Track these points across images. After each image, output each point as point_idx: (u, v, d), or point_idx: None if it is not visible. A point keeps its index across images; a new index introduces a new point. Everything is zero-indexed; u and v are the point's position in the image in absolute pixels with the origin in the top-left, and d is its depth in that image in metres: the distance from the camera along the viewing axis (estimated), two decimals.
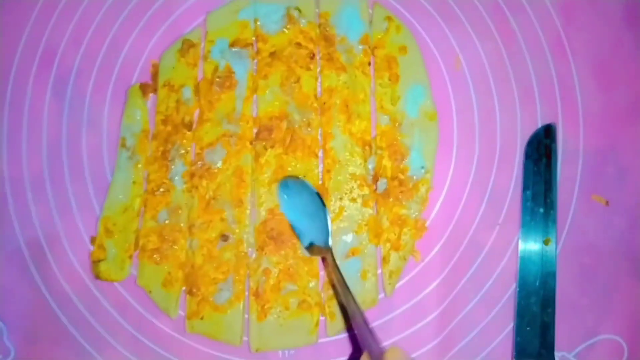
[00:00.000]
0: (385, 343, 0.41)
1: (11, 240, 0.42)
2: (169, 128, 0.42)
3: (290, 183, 0.39)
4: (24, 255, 0.42)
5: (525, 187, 0.42)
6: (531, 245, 0.41)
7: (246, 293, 0.41)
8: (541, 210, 0.41)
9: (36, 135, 0.43)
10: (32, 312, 0.42)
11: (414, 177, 0.41)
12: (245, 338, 0.41)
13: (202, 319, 0.41)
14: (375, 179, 0.41)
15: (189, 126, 0.42)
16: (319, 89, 0.42)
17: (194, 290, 0.41)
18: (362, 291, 0.41)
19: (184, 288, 0.41)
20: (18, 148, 0.43)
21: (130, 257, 0.42)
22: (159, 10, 0.43)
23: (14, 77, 0.43)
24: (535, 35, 0.43)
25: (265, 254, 0.41)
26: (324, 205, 0.39)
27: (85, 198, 0.42)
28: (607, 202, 0.42)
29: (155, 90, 0.43)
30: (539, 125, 0.42)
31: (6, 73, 0.43)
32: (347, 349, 0.41)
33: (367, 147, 0.42)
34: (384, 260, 0.41)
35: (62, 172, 0.43)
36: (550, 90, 0.43)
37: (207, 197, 0.41)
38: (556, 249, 0.41)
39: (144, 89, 0.43)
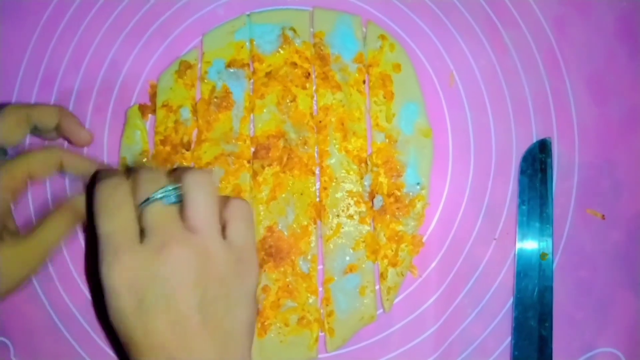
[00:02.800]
0: (383, 358, 0.42)
1: None
2: (168, 148, 0.43)
3: None
4: None
5: (520, 202, 0.42)
6: (528, 260, 0.41)
7: None
8: (537, 224, 0.42)
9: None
10: (37, 329, 0.42)
11: (410, 194, 0.42)
12: None
13: None
14: (372, 196, 0.42)
15: (187, 146, 0.43)
16: (314, 108, 0.43)
17: None
18: (360, 307, 0.41)
19: None
20: None
21: None
22: (156, 32, 0.44)
23: (15, 100, 0.44)
24: (528, 50, 0.43)
25: (265, 271, 0.41)
26: None
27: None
28: (603, 216, 0.42)
29: (154, 111, 0.44)
30: (534, 140, 0.43)
31: (8, 97, 0.44)
32: None
33: (363, 165, 0.42)
34: (382, 276, 0.41)
35: (64, 190, 0.43)
36: (544, 104, 0.43)
37: None
38: (553, 263, 0.41)
39: (143, 110, 0.43)
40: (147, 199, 0.32)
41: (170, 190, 0.32)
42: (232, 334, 0.32)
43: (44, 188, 0.43)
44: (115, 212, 0.32)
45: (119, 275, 0.30)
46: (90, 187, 0.36)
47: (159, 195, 0.32)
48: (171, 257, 0.31)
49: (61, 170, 0.39)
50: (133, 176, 0.34)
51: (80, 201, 0.38)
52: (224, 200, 0.34)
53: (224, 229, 0.33)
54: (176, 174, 0.34)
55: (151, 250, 0.31)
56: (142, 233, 0.32)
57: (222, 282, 0.32)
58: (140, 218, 0.32)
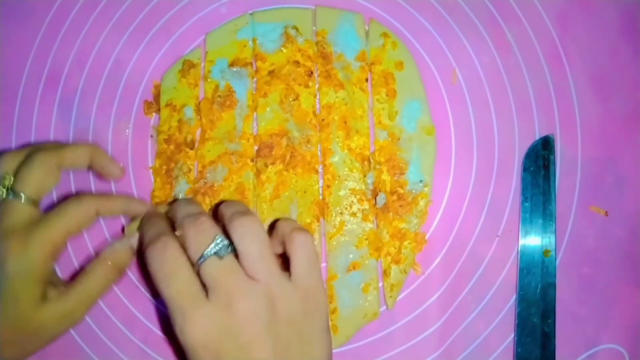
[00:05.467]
0: (387, 355, 0.42)
1: None
2: (172, 147, 0.43)
3: None
4: None
5: (523, 199, 0.42)
6: (531, 257, 0.41)
7: None
8: (540, 221, 0.42)
9: None
10: None
11: (413, 191, 0.42)
12: None
13: None
14: (375, 194, 0.42)
15: (191, 145, 0.43)
16: (317, 106, 0.43)
17: None
18: (363, 304, 0.41)
19: None
20: None
21: None
22: (160, 32, 0.44)
23: (20, 99, 0.45)
24: (531, 47, 0.43)
25: None
26: None
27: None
28: (606, 213, 0.42)
29: (158, 110, 0.44)
30: (537, 136, 0.43)
31: (13, 96, 0.44)
32: None
33: (366, 162, 0.42)
34: (385, 273, 0.42)
35: (69, 192, 0.44)
36: (547, 101, 0.43)
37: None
38: (556, 259, 0.42)
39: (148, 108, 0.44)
40: (202, 256, 0.32)
41: (220, 240, 0.33)
42: None
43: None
44: (173, 275, 0.32)
45: (192, 334, 0.31)
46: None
47: (213, 251, 0.32)
48: (239, 310, 0.31)
49: (97, 216, 0.39)
50: (181, 232, 0.34)
51: (120, 249, 0.38)
52: (286, 230, 0.34)
53: (287, 262, 0.33)
54: (221, 216, 0.35)
55: (219, 306, 0.31)
56: (205, 287, 0.32)
57: (292, 324, 0.32)
58: (199, 273, 0.32)
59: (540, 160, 0.42)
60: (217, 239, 0.33)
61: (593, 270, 0.42)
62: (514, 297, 0.41)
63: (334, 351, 0.41)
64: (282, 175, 0.42)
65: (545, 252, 0.41)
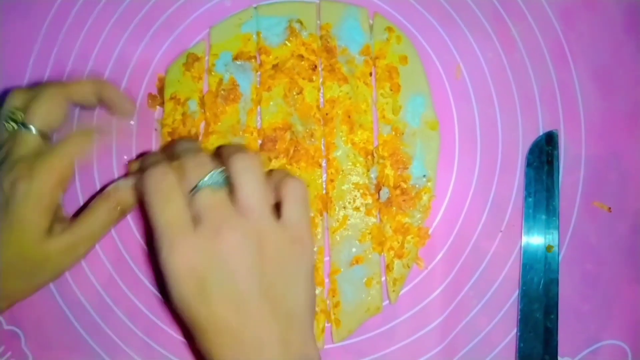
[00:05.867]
0: (389, 349, 0.42)
1: None
2: None
3: None
4: None
5: (527, 195, 0.42)
6: (534, 252, 0.42)
7: None
8: (543, 217, 0.42)
9: None
10: (47, 319, 0.43)
11: (416, 186, 0.42)
12: None
13: None
14: (378, 188, 0.42)
15: (195, 138, 0.43)
16: (321, 100, 0.43)
17: None
18: (366, 298, 0.41)
19: None
20: None
21: None
22: (164, 25, 0.44)
23: None
24: (536, 42, 0.43)
25: None
26: None
27: None
28: (609, 209, 0.42)
29: (161, 104, 0.44)
30: (541, 132, 0.43)
31: None
32: (352, 355, 0.42)
33: (369, 157, 0.42)
34: (388, 268, 0.42)
35: (74, 188, 0.44)
36: (551, 97, 0.43)
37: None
38: (558, 255, 0.42)
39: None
40: (196, 186, 0.32)
41: (217, 174, 0.33)
42: (294, 315, 0.32)
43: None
44: (166, 202, 0.32)
45: (177, 262, 0.31)
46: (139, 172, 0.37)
47: (208, 182, 0.33)
48: (227, 240, 0.31)
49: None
50: (178, 162, 0.34)
51: (126, 186, 0.39)
52: (280, 177, 0.35)
53: (278, 206, 0.34)
54: (221, 155, 0.35)
55: (206, 236, 0.31)
56: (194, 219, 0.32)
57: (278, 263, 0.32)
58: (190, 205, 0.32)
59: (543, 155, 0.42)
60: (214, 172, 0.33)
61: (596, 266, 0.42)
62: (517, 292, 0.42)
63: (336, 345, 0.42)
64: (286, 169, 0.42)
65: (548, 248, 0.41)
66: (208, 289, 0.31)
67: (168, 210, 0.32)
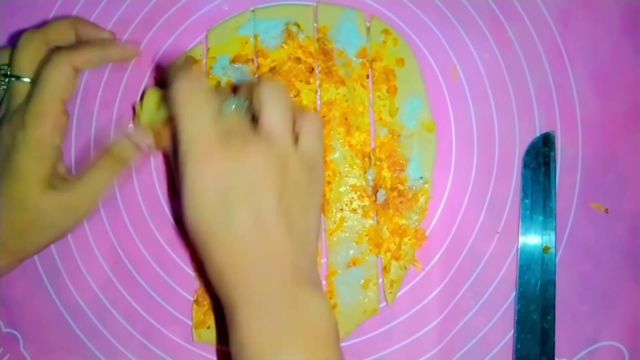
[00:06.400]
0: (386, 351, 0.42)
1: None
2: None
3: None
4: (38, 268, 0.43)
5: (524, 196, 0.42)
6: (530, 254, 0.42)
7: None
8: (540, 218, 0.42)
9: None
10: (46, 322, 0.43)
11: (413, 188, 0.42)
12: None
13: (208, 328, 0.42)
14: (375, 190, 0.42)
15: None
16: (318, 103, 0.43)
17: (201, 300, 0.42)
18: (364, 300, 0.41)
19: (192, 298, 0.42)
20: None
21: None
22: (162, 29, 0.44)
23: None
24: (532, 44, 0.43)
25: None
26: None
27: (95, 213, 0.43)
28: (606, 210, 0.42)
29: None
30: (538, 133, 0.43)
31: None
32: (350, 357, 0.42)
33: (366, 159, 0.42)
34: (385, 269, 0.42)
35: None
36: (548, 98, 0.43)
37: None
38: (555, 256, 0.42)
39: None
40: (226, 107, 0.34)
41: (241, 101, 0.34)
42: (305, 238, 0.34)
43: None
44: (196, 114, 0.33)
45: (206, 172, 0.32)
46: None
47: (232, 106, 0.34)
48: (252, 157, 0.32)
49: (79, 72, 0.39)
50: (206, 87, 0.35)
51: (126, 145, 0.39)
52: (298, 109, 0.36)
53: (295, 140, 0.35)
54: (245, 87, 0.36)
55: (234, 151, 0.32)
56: (221, 138, 0.33)
57: (296, 186, 0.33)
58: (217, 125, 0.33)
59: (540, 157, 0.42)
60: (239, 98, 0.34)
61: (593, 267, 0.42)
62: (514, 294, 0.42)
63: None
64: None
65: (545, 249, 0.42)
66: (230, 200, 0.31)
67: (198, 121, 0.33)
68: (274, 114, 0.34)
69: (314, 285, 0.34)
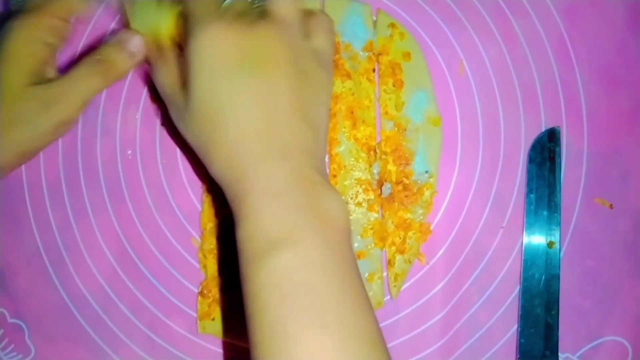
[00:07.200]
0: (390, 344, 0.42)
1: (30, 244, 0.44)
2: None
3: None
4: (43, 258, 0.44)
5: (529, 191, 0.42)
6: (535, 248, 0.42)
7: None
8: (545, 213, 0.42)
9: (53, 143, 0.44)
10: (51, 313, 0.43)
11: (419, 182, 0.42)
12: None
13: (213, 320, 0.42)
14: (380, 184, 0.42)
15: None
16: None
17: (205, 292, 0.42)
18: (368, 293, 0.41)
19: (197, 290, 0.43)
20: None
21: None
22: None
23: None
24: (539, 39, 0.43)
25: None
26: None
27: (100, 203, 0.44)
28: (611, 205, 0.42)
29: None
30: (543, 129, 0.43)
31: None
32: None
33: (372, 153, 0.42)
34: (390, 263, 0.42)
35: (78, 178, 0.44)
36: (554, 94, 0.43)
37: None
38: (560, 251, 0.42)
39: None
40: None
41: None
42: (319, 129, 0.32)
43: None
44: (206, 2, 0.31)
45: (215, 40, 0.30)
46: None
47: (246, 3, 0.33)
48: (262, 32, 0.30)
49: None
50: None
51: (115, 48, 0.38)
52: (307, 11, 0.34)
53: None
54: None
55: (245, 25, 0.30)
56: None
57: (307, 76, 0.31)
58: (225, 9, 0.32)
59: (546, 152, 0.42)
60: None
61: (597, 262, 0.42)
62: (518, 288, 0.42)
63: None
64: None
65: (550, 244, 0.42)
66: (241, 71, 0.29)
67: (207, 4, 0.31)
68: (284, 2, 0.32)
69: (329, 184, 0.30)
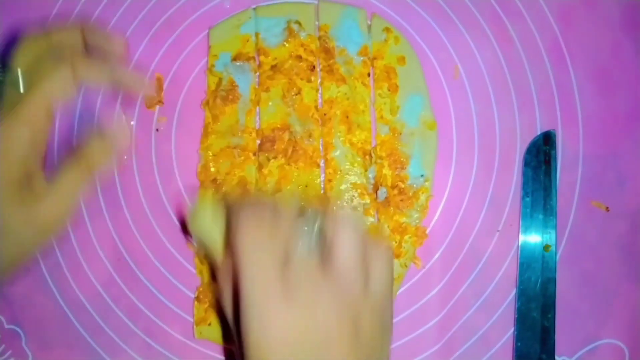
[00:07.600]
0: None
1: None
2: None
3: None
4: (40, 265, 0.44)
5: (524, 194, 0.42)
6: (531, 252, 0.42)
7: None
8: (541, 216, 0.42)
9: (49, 150, 0.44)
10: (48, 319, 0.43)
11: (414, 186, 0.42)
12: None
13: (209, 325, 0.42)
14: (376, 188, 0.42)
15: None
16: (319, 101, 0.43)
17: (202, 297, 0.42)
18: None
19: (193, 295, 0.43)
20: None
21: None
22: (163, 26, 0.44)
23: None
24: (533, 43, 0.43)
25: None
26: None
27: (97, 210, 0.44)
28: (607, 208, 0.42)
29: (159, 102, 0.44)
30: (538, 132, 0.43)
31: None
32: None
33: (367, 157, 0.43)
34: None
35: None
36: (549, 97, 0.43)
37: None
38: (556, 254, 0.42)
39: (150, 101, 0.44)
40: (292, 250, 0.30)
41: (312, 238, 0.31)
42: None
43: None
44: (262, 258, 0.30)
45: (273, 328, 0.29)
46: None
47: (302, 249, 0.30)
48: (323, 308, 0.29)
49: (79, 85, 0.36)
50: (271, 219, 0.31)
51: (99, 147, 0.37)
52: (369, 241, 0.32)
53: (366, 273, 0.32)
54: (313, 208, 0.32)
55: (303, 301, 0.29)
56: (286, 286, 0.30)
57: (368, 340, 0.30)
58: (283, 272, 0.30)
59: (541, 155, 0.42)
60: (309, 237, 0.31)
61: (593, 265, 0.42)
62: (514, 291, 0.42)
63: None
64: (284, 169, 0.42)
65: (546, 247, 0.42)
66: (300, 357, 0.29)
67: (262, 266, 0.29)
68: (347, 249, 0.30)
69: None
